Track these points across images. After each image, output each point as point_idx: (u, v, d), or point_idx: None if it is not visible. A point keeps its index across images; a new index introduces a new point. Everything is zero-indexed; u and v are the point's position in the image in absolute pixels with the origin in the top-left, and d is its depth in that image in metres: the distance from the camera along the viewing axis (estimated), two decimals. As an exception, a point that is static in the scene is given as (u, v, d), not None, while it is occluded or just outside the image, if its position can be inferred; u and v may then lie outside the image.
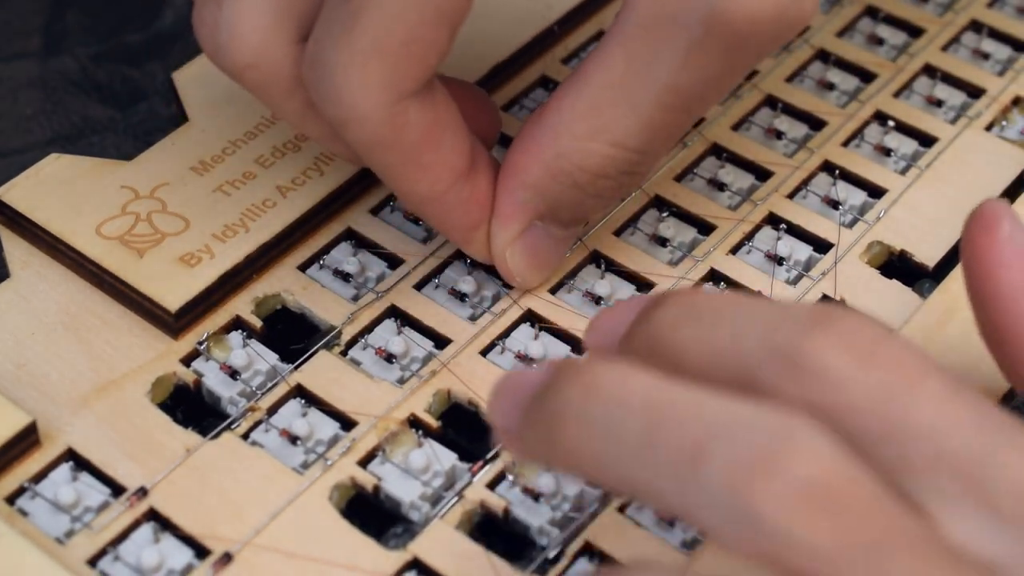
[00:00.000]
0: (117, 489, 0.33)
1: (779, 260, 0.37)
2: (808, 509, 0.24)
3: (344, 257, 0.37)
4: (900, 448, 0.25)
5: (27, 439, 0.33)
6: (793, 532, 0.23)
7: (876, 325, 0.26)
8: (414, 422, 0.34)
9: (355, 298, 0.36)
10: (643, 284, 0.37)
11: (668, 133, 0.33)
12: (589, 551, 0.32)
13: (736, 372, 0.26)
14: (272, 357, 0.35)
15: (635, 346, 0.28)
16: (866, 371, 0.25)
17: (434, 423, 0.34)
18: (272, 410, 0.34)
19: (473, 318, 0.36)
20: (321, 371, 0.35)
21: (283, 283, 0.37)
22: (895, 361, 0.26)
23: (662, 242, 0.37)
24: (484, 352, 0.35)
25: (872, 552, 0.24)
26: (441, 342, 0.35)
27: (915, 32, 0.43)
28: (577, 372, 0.26)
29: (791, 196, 0.38)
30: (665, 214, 0.38)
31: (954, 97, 0.41)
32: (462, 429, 0.34)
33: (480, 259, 0.35)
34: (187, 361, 0.35)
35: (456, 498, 0.32)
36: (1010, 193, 0.38)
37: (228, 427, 0.34)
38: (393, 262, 0.37)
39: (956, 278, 0.35)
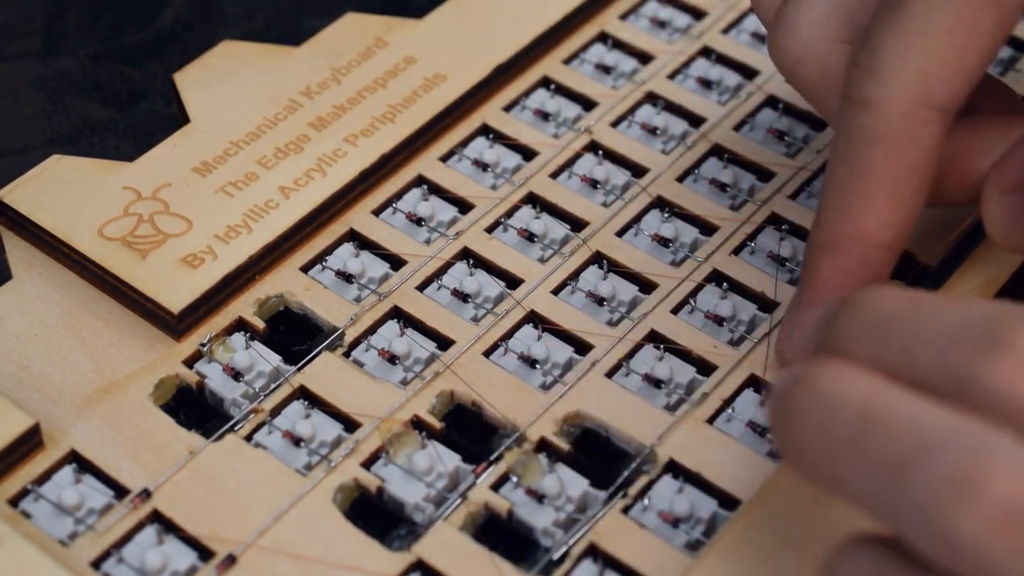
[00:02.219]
0: (120, 491, 0.33)
1: (782, 261, 0.37)
2: (1006, 533, 0.24)
3: (346, 258, 0.37)
4: None
5: (30, 441, 0.33)
6: (990, 557, 0.24)
7: None
8: (417, 423, 0.34)
9: (357, 299, 0.36)
10: (645, 285, 0.37)
11: None
12: (593, 552, 0.32)
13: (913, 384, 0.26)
14: (275, 358, 0.35)
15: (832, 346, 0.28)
16: None
17: (437, 424, 0.34)
18: (275, 412, 0.34)
19: (476, 319, 0.36)
20: (324, 372, 0.35)
21: (285, 284, 0.36)
22: None
23: (665, 243, 0.37)
24: (487, 353, 0.35)
25: None
26: (444, 343, 0.35)
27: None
28: (801, 374, 0.27)
29: (793, 197, 0.38)
30: (667, 215, 0.38)
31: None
32: (465, 430, 0.34)
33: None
34: (190, 363, 0.35)
35: (460, 499, 0.32)
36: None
37: (231, 429, 0.34)
38: (395, 263, 0.37)
39: (960, 278, 0.35)
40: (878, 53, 0.30)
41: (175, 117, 0.42)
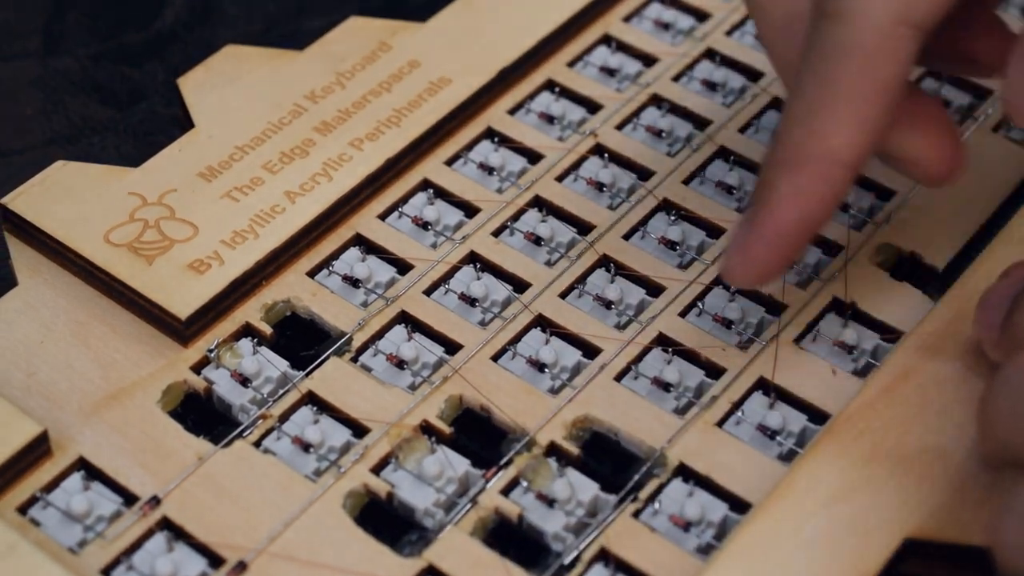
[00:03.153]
0: (129, 498, 0.33)
1: (789, 263, 0.37)
2: None
3: (353, 263, 0.37)
4: None
5: (38, 449, 0.33)
6: None
7: None
8: (426, 428, 0.34)
9: (364, 304, 0.36)
10: (653, 288, 0.37)
11: None
12: (604, 557, 0.32)
13: None
14: (283, 364, 0.35)
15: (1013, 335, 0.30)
16: None
17: (446, 429, 0.34)
18: (284, 417, 0.34)
19: (483, 323, 0.36)
20: (332, 378, 0.35)
21: (292, 289, 0.36)
22: None
23: (672, 245, 0.37)
24: (495, 357, 0.35)
25: None
26: (452, 348, 0.35)
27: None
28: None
29: (799, 198, 0.38)
30: (674, 217, 0.38)
31: (961, 98, 0.41)
32: (474, 435, 0.34)
33: None
34: (197, 368, 0.35)
35: (470, 504, 0.33)
36: (1017, 193, 0.38)
37: (240, 435, 0.34)
38: (402, 268, 0.37)
39: (967, 279, 0.35)
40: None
41: (175, 117, 0.42)
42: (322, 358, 0.35)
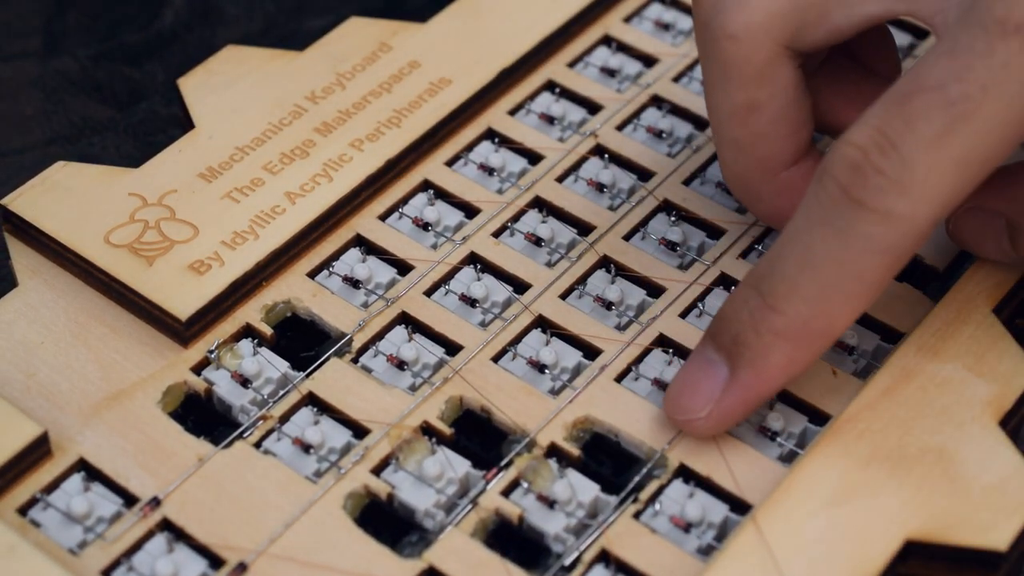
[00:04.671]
0: (130, 499, 0.33)
1: (789, 264, 0.37)
2: None
3: (353, 264, 0.37)
4: None
5: (38, 450, 0.33)
6: None
7: None
8: (427, 429, 0.34)
9: (365, 305, 0.36)
10: (653, 289, 0.37)
11: None
12: (605, 558, 0.32)
13: None
14: (283, 365, 0.35)
15: None
16: None
17: (447, 430, 0.34)
18: (284, 418, 0.34)
19: (484, 324, 0.36)
20: (332, 379, 0.35)
21: (292, 290, 0.36)
22: None
23: (672, 246, 0.37)
24: (496, 358, 0.35)
25: None
26: (452, 349, 0.35)
27: (922, 34, 0.43)
28: None
29: (800, 199, 0.38)
30: (674, 218, 0.38)
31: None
32: (475, 436, 0.34)
33: None
34: (197, 369, 0.35)
35: (470, 505, 0.33)
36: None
37: (240, 436, 0.34)
38: (402, 268, 0.37)
39: (968, 280, 0.35)
40: (916, 171, 0.29)
41: (175, 117, 0.42)
42: (322, 359, 0.35)
